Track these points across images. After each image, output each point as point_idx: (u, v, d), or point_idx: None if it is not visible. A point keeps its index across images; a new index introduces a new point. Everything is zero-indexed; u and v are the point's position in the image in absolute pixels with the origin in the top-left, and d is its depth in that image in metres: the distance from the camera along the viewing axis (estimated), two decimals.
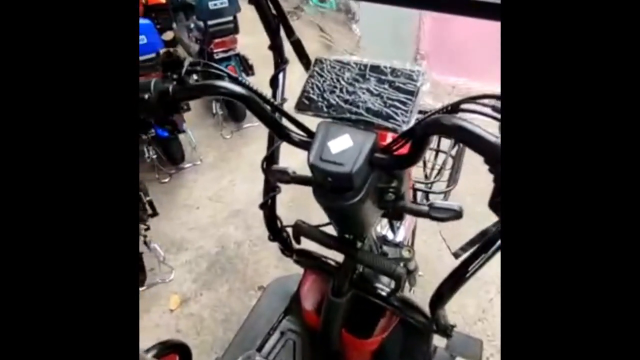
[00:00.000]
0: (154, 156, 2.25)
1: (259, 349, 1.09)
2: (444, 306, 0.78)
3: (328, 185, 0.58)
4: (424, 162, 1.36)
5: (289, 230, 0.90)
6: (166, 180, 2.31)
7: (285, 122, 0.67)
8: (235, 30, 2.36)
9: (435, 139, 1.38)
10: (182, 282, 1.81)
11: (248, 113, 2.73)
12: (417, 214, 0.66)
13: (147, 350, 0.85)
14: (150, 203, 1.72)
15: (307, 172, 0.63)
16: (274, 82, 0.78)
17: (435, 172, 1.29)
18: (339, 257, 0.87)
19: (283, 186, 0.82)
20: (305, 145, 0.61)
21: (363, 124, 0.57)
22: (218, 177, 2.33)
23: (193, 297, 1.76)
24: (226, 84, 0.61)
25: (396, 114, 0.56)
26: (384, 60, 0.60)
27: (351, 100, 0.59)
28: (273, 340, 1.13)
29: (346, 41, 3.72)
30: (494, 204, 0.49)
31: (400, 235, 1.18)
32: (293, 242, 0.91)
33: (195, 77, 0.68)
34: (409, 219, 1.24)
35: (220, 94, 0.62)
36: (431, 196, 1.19)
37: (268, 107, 0.64)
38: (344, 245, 0.81)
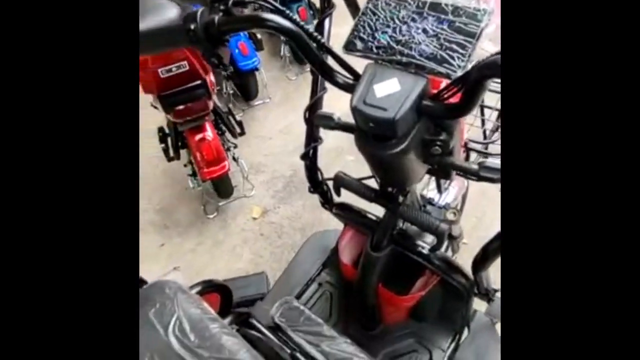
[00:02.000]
0: (231, 92, 2.48)
1: (297, 297, 1.11)
2: (487, 268, 0.75)
3: (370, 132, 0.55)
4: (483, 121, 1.27)
5: (330, 183, 0.88)
6: (240, 114, 2.54)
7: (332, 64, 0.63)
8: None
9: (497, 97, 1.27)
10: (262, 198, 2.06)
11: None
12: (465, 171, 0.61)
13: (192, 287, 0.89)
14: (240, 123, 1.95)
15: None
16: (319, 28, 0.74)
17: (495, 133, 1.20)
18: (380, 213, 0.87)
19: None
20: (350, 88, 0.58)
21: (414, 68, 0.52)
22: (286, 113, 2.54)
23: (272, 209, 2.01)
24: (273, 17, 0.57)
25: (452, 57, 0.51)
26: None
27: (404, 41, 0.54)
28: (311, 290, 1.16)
29: None
30: None
31: (448, 198, 1.14)
32: (334, 195, 0.90)
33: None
34: (459, 182, 1.20)
35: (266, 27, 0.58)
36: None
37: (314, 46, 0.60)
38: (384, 198, 0.78)
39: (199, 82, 1.52)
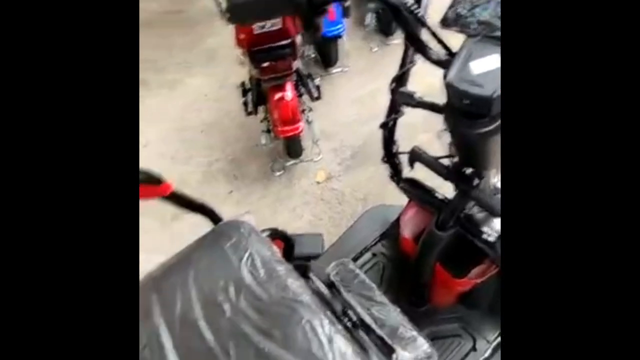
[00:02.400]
0: (312, 55, 2.50)
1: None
2: None
3: (462, 109, 0.55)
4: None
5: (402, 157, 0.90)
6: (317, 80, 2.57)
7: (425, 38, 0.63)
8: None
9: None
10: (328, 164, 2.10)
11: (398, 29, 2.85)
12: None
13: (263, 231, 0.96)
14: (318, 87, 1.98)
15: None
16: None
17: None
18: (447, 194, 0.88)
19: None
20: (444, 64, 0.57)
21: None
22: (363, 83, 2.52)
23: (336, 176, 2.05)
24: None
25: None
26: None
27: None
28: (365, 258, 1.20)
29: None
30: None
31: None
32: (403, 169, 0.92)
33: None
34: None
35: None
36: None
37: (412, 19, 0.60)
38: (459, 178, 0.77)
39: (287, 41, 1.56)
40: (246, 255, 0.78)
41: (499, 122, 0.54)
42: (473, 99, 0.52)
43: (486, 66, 0.52)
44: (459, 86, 0.52)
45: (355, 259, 1.19)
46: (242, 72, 2.15)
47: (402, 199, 1.25)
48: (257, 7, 0.70)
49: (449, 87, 0.54)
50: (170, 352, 0.66)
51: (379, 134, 2.32)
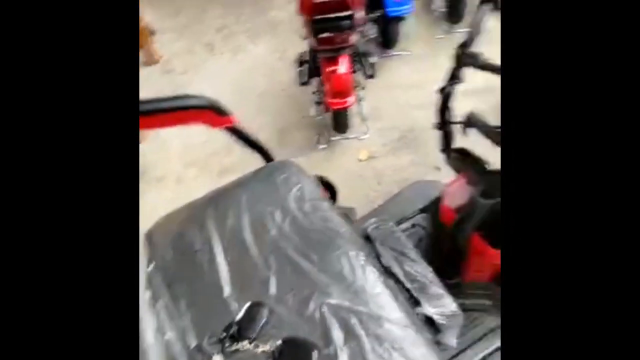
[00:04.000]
0: (372, 35, 2.48)
1: None
2: None
3: None
4: None
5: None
6: (374, 58, 2.55)
7: None
8: None
9: None
10: (373, 143, 2.11)
11: (465, 17, 2.75)
12: None
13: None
14: (373, 66, 1.98)
15: None
16: None
17: None
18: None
19: None
20: None
21: None
22: (421, 69, 2.47)
23: (379, 156, 2.06)
24: None
25: None
26: None
27: None
28: (404, 226, 1.23)
29: None
30: None
31: None
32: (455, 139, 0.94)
33: None
34: None
35: None
36: None
37: None
38: None
39: (348, 13, 1.57)
40: (295, 189, 0.85)
41: None
42: None
43: None
44: None
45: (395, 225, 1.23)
46: (301, 47, 2.20)
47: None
48: None
49: None
50: (219, 257, 0.75)
51: (429, 121, 2.26)
